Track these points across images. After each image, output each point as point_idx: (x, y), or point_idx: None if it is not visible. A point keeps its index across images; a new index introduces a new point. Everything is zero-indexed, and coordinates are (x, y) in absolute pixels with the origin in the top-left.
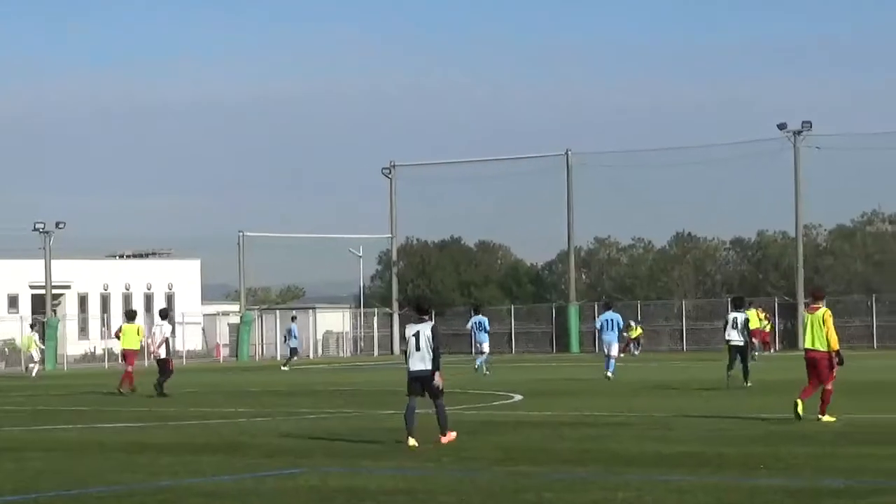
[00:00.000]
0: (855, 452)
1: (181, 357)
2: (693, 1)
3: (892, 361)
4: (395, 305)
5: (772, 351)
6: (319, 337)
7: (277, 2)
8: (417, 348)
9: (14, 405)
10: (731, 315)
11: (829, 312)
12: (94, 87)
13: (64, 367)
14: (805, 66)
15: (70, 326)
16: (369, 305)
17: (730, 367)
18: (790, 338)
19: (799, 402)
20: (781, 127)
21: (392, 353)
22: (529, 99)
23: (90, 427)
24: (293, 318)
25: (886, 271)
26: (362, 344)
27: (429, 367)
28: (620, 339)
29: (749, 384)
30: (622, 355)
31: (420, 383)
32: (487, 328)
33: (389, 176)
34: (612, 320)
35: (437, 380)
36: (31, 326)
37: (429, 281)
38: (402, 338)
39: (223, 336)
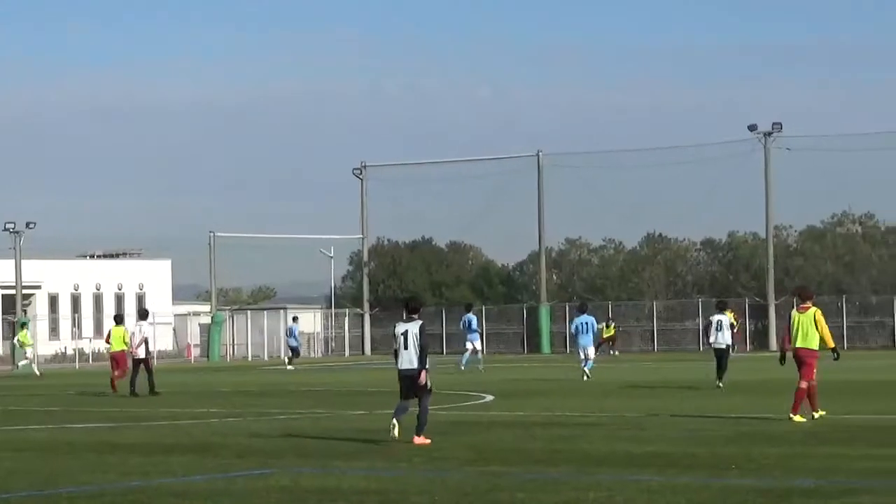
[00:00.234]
0: (826, 452)
1: (152, 357)
2: (663, 4)
3: (862, 362)
4: (366, 306)
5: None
6: None
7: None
8: (406, 347)
9: None
10: (716, 318)
11: (819, 312)
12: (62, 87)
13: (35, 367)
14: (775, 68)
15: (41, 327)
16: (340, 306)
17: (718, 371)
18: (761, 338)
19: (815, 413)
20: (752, 128)
21: (363, 353)
22: (500, 100)
23: (60, 427)
24: (294, 319)
25: (856, 272)
26: (333, 344)
27: (416, 365)
28: (596, 341)
29: (720, 385)
30: (616, 353)
31: (410, 383)
32: (475, 327)
33: (361, 176)
34: (586, 323)
35: (422, 378)
36: (24, 325)
37: (400, 281)
38: (393, 337)
39: (194, 336)
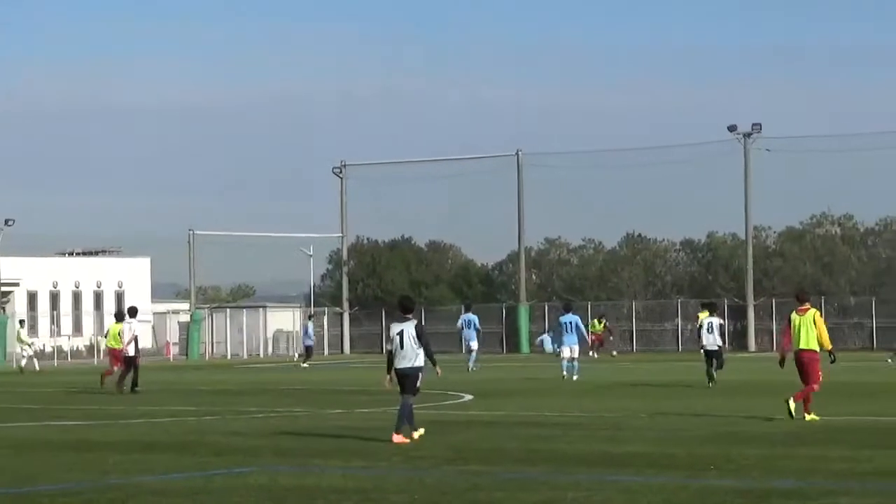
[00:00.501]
0: (806, 454)
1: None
2: (643, 5)
3: (841, 364)
4: (346, 305)
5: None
6: (269, 336)
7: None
8: (402, 346)
9: None
10: (707, 320)
11: (818, 313)
12: (45, 85)
13: (13, 365)
14: (756, 69)
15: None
16: (319, 305)
17: (709, 373)
18: (739, 339)
19: (791, 401)
20: (732, 129)
21: (342, 352)
22: (479, 99)
23: (38, 425)
24: (310, 317)
25: (835, 274)
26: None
27: (414, 364)
28: (581, 340)
29: (711, 385)
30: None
31: (409, 381)
32: (478, 326)
33: (340, 175)
34: (571, 322)
35: (419, 379)
36: (21, 322)
37: (379, 280)
38: (388, 338)
39: (173, 334)
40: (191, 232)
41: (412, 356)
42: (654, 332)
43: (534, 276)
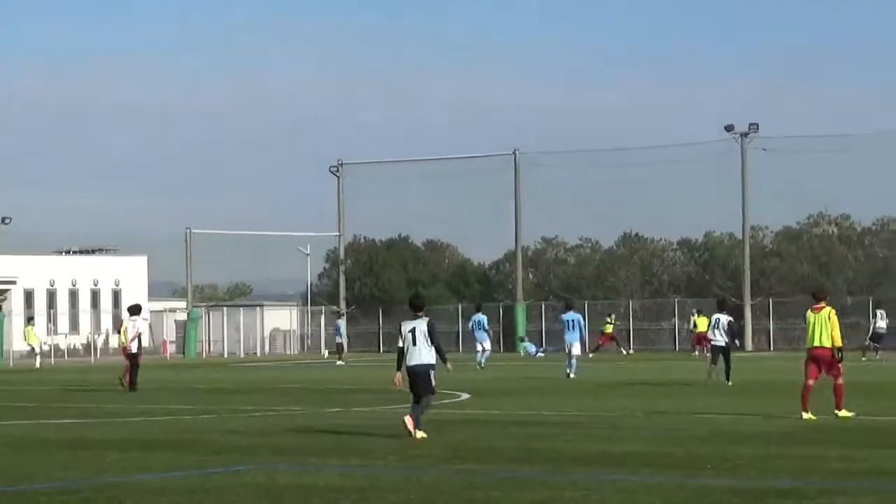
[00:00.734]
0: (802, 453)
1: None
2: (640, 3)
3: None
4: (343, 304)
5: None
6: (266, 334)
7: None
8: (414, 344)
9: None
10: (714, 316)
11: (833, 311)
12: (43, 82)
13: (10, 363)
14: (753, 68)
15: (16, 323)
16: (316, 303)
17: (713, 363)
18: (737, 338)
19: (804, 414)
20: (728, 129)
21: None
22: (477, 98)
23: (35, 423)
24: (340, 315)
25: (832, 273)
26: (309, 342)
27: (426, 361)
28: (582, 339)
29: (730, 383)
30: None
31: (420, 379)
32: (486, 327)
33: (337, 174)
34: (573, 320)
35: (434, 376)
36: (29, 319)
37: (376, 279)
38: (399, 335)
39: (170, 333)
40: (188, 230)
41: (424, 353)
42: (651, 331)
43: (531, 276)
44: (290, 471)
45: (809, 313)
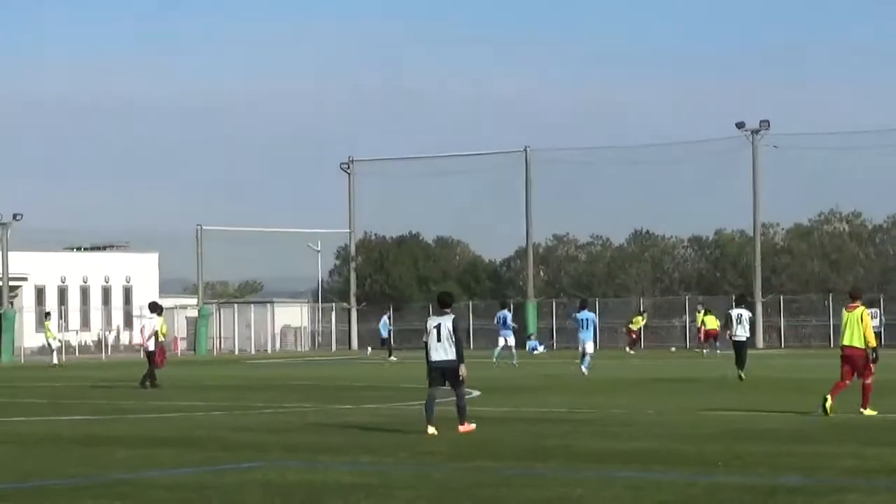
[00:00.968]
0: (812, 451)
1: (138, 351)
2: (653, 2)
3: None
4: (353, 300)
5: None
6: (277, 331)
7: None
8: (439, 339)
9: None
10: (735, 312)
11: (866, 311)
12: (55, 79)
13: (21, 360)
14: (764, 66)
15: (27, 319)
16: (327, 300)
17: (738, 363)
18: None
19: (828, 397)
20: (740, 126)
21: (350, 348)
22: (488, 95)
23: (47, 420)
24: (384, 311)
25: (843, 271)
26: (320, 339)
27: (449, 357)
28: (595, 337)
29: (742, 378)
30: (631, 351)
31: (441, 373)
32: (510, 323)
33: (348, 171)
34: (587, 319)
35: (463, 371)
36: (47, 315)
37: (387, 276)
38: (424, 330)
39: (181, 329)
40: (199, 227)
41: (447, 350)
42: (662, 328)
43: (542, 273)
44: (301, 467)
45: (844, 312)
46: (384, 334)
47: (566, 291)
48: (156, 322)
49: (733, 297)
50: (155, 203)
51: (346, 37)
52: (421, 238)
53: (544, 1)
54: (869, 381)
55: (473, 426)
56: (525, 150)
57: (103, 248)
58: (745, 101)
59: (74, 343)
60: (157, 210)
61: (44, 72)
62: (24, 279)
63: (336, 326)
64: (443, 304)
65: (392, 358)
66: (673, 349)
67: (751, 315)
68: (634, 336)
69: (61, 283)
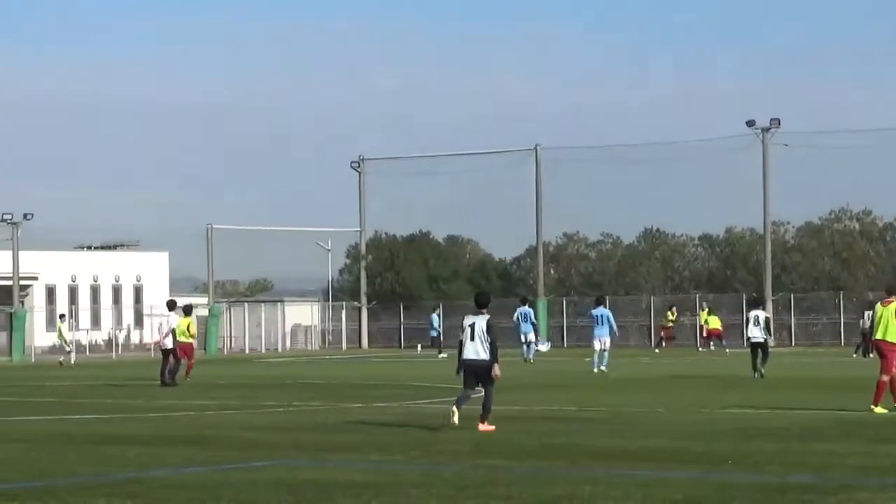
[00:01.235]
0: (822, 449)
1: (149, 349)
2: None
3: (858, 358)
4: (364, 299)
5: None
6: (287, 330)
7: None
8: (472, 338)
9: None
10: (753, 313)
11: None
12: (64, 79)
13: (32, 359)
14: (773, 64)
15: (38, 318)
16: (337, 299)
17: (754, 364)
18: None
19: (876, 409)
20: (750, 124)
21: (360, 346)
22: (498, 93)
23: (57, 418)
24: (433, 309)
25: (853, 269)
26: (330, 337)
27: (481, 356)
28: (612, 333)
29: (756, 377)
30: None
31: (473, 371)
32: (534, 320)
33: (358, 170)
34: (603, 315)
35: (496, 370)
36: (61, 317)
37: (397, 275)
38: (460, 328)
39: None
40: (209, 226)
41: (479, 349)
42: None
43: (552, 271)
44: (312, 466)
45: (879, 306)
46: (436, 330)
47: (576, 290)
48: (173, 320)
49: (744, 299)
50: (165, 202)
51: (357, 35)
52: (431, 236)
53: None
54: (885, 378)
55: (493, 427)
56: (535, 148)
57: (114, 247)
58: (755, 100)
59: (85, 342)
60: (167, 209)
61: (50, 70)
62: (35, 278)
63: (346, 325)
64: (479, 305)
65: (442, 354)
66: (700, 349)
67: (768, 316)
68: (670, 333)
69: (72, 283)
